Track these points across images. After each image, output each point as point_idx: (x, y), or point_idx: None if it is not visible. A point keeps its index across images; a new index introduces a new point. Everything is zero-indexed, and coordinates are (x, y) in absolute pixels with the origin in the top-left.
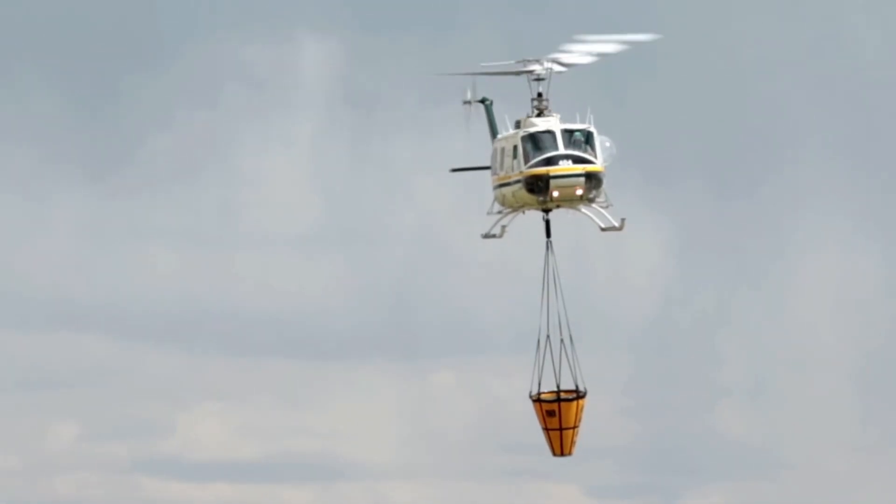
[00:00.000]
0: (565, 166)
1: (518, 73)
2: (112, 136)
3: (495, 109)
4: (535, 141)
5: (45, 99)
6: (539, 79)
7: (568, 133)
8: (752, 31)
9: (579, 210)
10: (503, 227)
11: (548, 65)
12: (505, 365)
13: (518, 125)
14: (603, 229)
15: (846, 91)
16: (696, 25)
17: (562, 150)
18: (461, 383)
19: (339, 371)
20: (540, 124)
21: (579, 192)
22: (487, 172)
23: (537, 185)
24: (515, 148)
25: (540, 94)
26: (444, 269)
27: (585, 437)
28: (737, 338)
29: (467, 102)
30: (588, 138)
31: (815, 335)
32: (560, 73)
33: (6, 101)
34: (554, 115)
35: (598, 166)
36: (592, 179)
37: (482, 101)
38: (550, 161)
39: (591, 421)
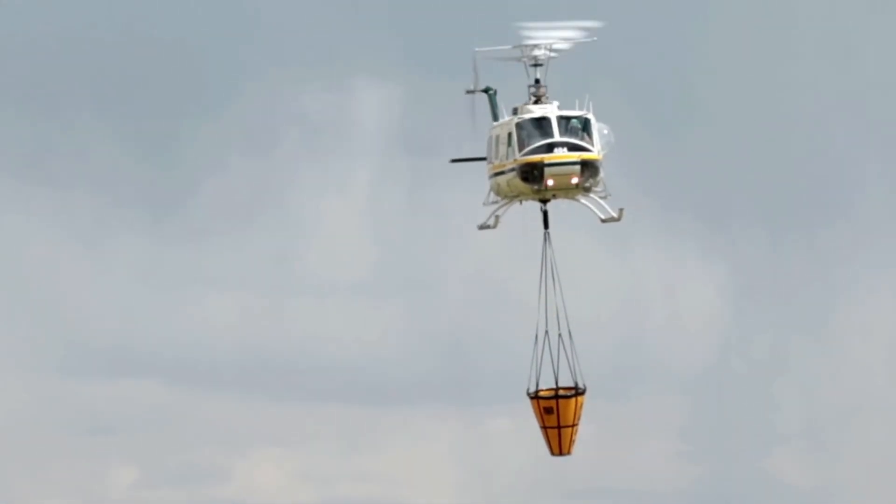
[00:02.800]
0: (560, 154)
1: (519, 59)
2: (169, 181)
3: (498, 99)
4: (530, 128)
5: (104, 144)
6: (537, 64)
7: (564, 120)
8: (811, 74)
9: (577, 200)
10: (496, 216)
11: (546, 50)
12: None
13: (515, 112)
14: (603, 220)
15: None
16: (754, 69)
17: (557, 138)
18: (517, 428)
19: (396, 416)
20: (536, 111)
21: (575, 180)
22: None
23: (532, 174)
24: (510, 135)
25: (538, 81)
26: (499, 315)
27: (642, 480)
28: (793, 383)
29: (470, 92)
30: (585, 125)
31: (870, 381)
32: (555, 57)
33: (65, 147)
34: (552, 102)
35: (594, 154)
36: (589, 168)
37: (486, 90)
38: (545, 148)
39: (649, 465)
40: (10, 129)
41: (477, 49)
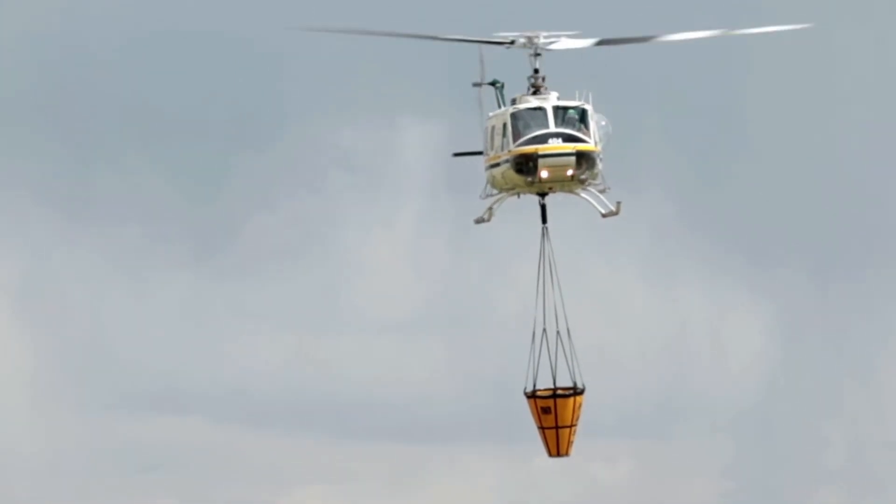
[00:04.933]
0: (555, 145)
1: (523, 46)
2: (216, 219)
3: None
4: (525, 118)
5: (150, 180)
6: (537, 54)
7: (561, 110)
8: (861, 115)
9: (577, 194)
10: (490, 209)
11: (544, 40)
12: (608, 449)
13: (514, 103)
14: (603, 215)
15: None
16: (804, 109)
17: (552, 128)
18: (564, 467)
19: (442, 455)
20: (533, 101)
21: (570, 172)
22: None
23: (526, 165)
24: (505, 126)
25: (536, 70)
26: (543, 351)
27: None
28: (839, 423)
29: (477, 85)
30: (582, 116)
31: None
32: (553, 51)
33: (112, 182)
34: (551, 92)
35: (590, 145)
36: (584, 159)
37: (493, 83)
38: (540, 139)
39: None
40: (58, 166)
41: (497, 33)
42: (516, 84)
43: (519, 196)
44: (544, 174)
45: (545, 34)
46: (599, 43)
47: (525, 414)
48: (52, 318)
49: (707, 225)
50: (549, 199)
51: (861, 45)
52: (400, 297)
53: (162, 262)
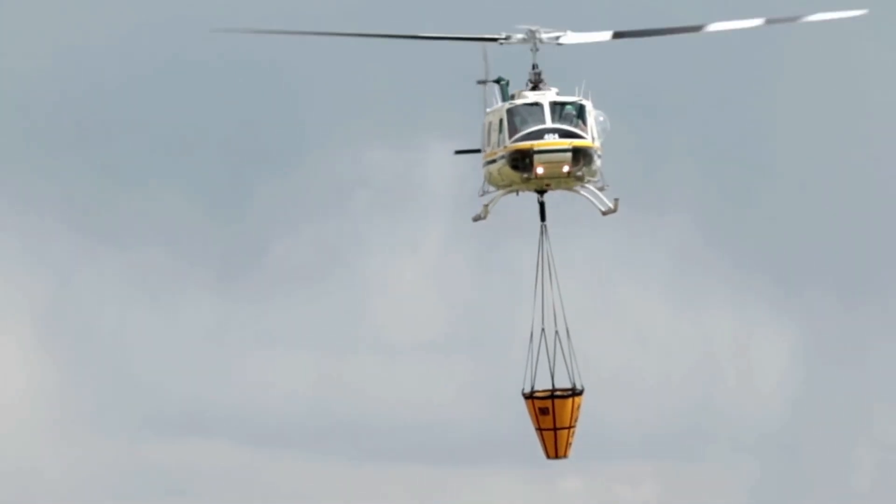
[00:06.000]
0: (551, 140)
1: (523, 42)
2: (239, 241)
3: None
4: (522, 114)
5: (174, 203)
6: (536, 49)
7: (558, 106)
8: (889, 137)
9: (577, 192)
10: (485, 206)
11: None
12: (632, 471)
13: (513, 98)
14: (603, 213)
15: None
16: (830, 131)
17: (548, 124)
18: (589, 490)
19: (467, 476)
20: (530, 97)
21: (566, 168)
22: None
23: (521, 162)
24: (501, 122)
25: (535, 66)
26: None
27: None
28: (865, 444)
29: (482, 82)
30: (580, 112)
31: None
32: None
33: (136, 205)
34: (551, 88)
35: (587, 141)
36: (581, 155)
37: (497, 80)
38: (536, 135)
39: None
40: (83, 188)
41: (500, 34)
42: (522, 82)
43: (518, 194)
44: (540, 170)
45: (545, 30)
46: (616, 36)
47: None
48: (77, 340)
49: (732, 246)
50: (550, 199)
51: (890, 62)
52: (423, 319)
53: (186, 284)
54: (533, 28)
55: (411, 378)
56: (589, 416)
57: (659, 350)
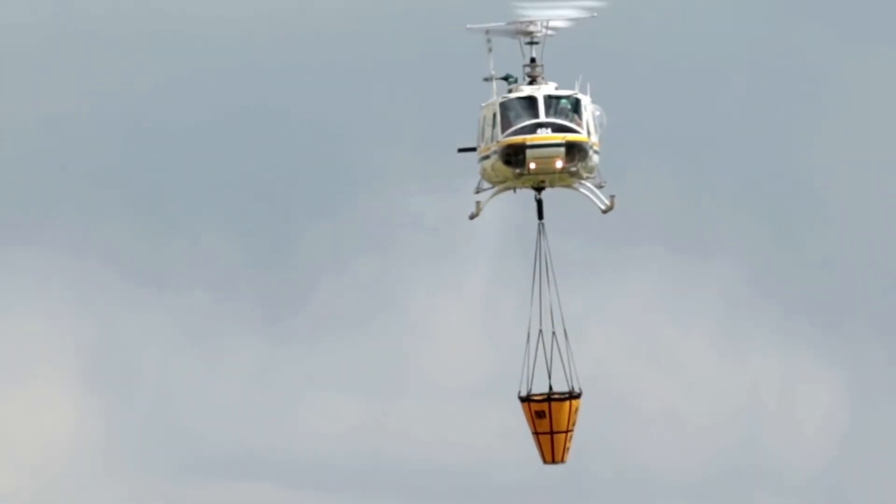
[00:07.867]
0: (544, 135)
1: (513, 35)
2: (284, 283)
3: None
4: (514, 108)
5: (218, 245)
6: (533, 42)
7: (553, 100)
8: None
9: (575, 189)
10: (478, 203)
11: (543, 27)
12: None
13: (510, 93)
14: (603, 212)
15: None
16: (876, 170)
17: (542, 118)
18: None
19: None
20: (525, 91)
21: (559, 163)
22: None
23: (514, 157)
24: (494, 116)
25: (533, 60)
26: (614, 417)
27: None
28: None
29: (488, 80)
30: (575, 106)
31: None
32: (552, 35)
33: (181, 249)
34: (549, 82)
35: (581, 136)
36: (575, 150)
37: (505, 78)
38: (528, 129)
39: None
40: (124, 231)
41: (468, 26)
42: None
43: (515, 191)
44: (533, 165)
45: (533, 20)
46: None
47: (592, 479)
48: (123, 384)
49: (779, 290)
50: (552, 199)
51: None
52: (470, 363)
53: (231, 327)
54: (520, 21)
55: (457, 421)
56: (630, 460)
57: (704, 392)
